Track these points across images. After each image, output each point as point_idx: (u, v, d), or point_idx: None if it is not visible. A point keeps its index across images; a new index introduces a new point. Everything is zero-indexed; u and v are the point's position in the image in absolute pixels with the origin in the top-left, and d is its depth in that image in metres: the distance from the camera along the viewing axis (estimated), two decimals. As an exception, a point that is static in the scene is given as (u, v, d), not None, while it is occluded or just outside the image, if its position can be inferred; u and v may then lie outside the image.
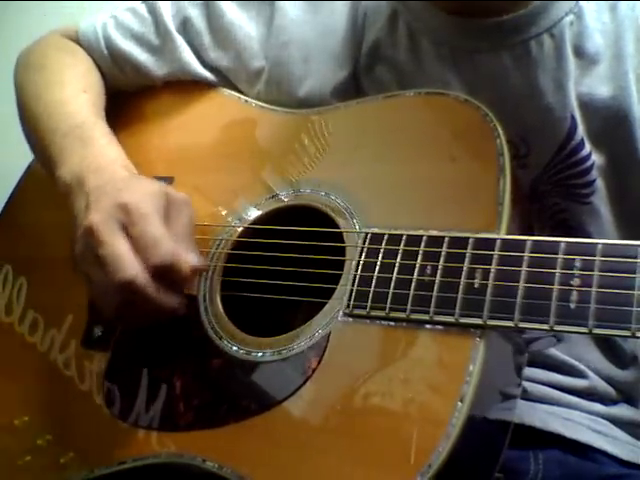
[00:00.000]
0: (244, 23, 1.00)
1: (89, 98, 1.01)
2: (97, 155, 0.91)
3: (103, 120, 0.99)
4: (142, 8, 1.06)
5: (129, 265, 0.79)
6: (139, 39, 1.05)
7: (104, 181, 0.86)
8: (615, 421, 0.94)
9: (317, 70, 0.96)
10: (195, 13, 1.03)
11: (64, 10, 1.56)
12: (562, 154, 0.89)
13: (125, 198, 0.82)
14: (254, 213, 0.89)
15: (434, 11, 0.90)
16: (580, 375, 0.93)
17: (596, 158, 0.89)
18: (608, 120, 0.88)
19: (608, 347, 0.96)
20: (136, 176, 0.90)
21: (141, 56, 1.05)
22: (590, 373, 0.94)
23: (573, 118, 0.87)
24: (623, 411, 0.96)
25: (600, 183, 0.90)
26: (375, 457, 0.70)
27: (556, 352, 0.92)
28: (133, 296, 0.79)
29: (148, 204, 0.82)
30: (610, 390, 0.95)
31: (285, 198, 0.88)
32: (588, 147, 0.88)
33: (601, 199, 0.90)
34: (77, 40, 1.09)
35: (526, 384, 0.88)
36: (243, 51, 1.00)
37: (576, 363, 0.93)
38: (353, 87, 0.95)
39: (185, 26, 1.03)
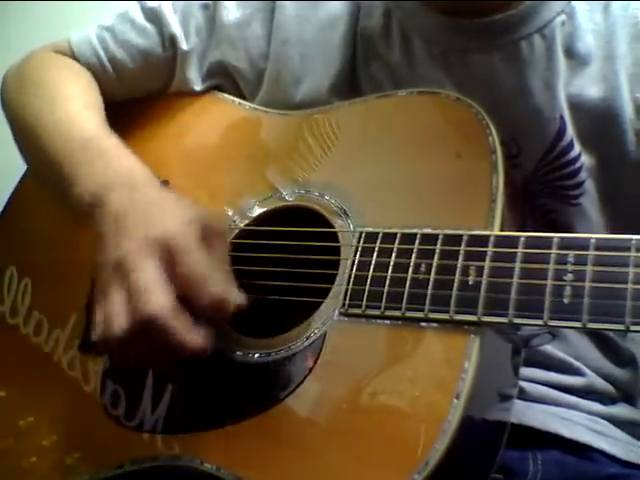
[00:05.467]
0: (250, 22, 1.00)
1: (93, 113, 0.98)
2: (115, 169, 0.85)
3: (110, 133, 0.94)
4: (139, 15, 1.04)
5: (160, 296, 0.71)
6: (144, 55, 1.04)
7: (130, 202, 0.79)
8: (614, 421, 0.93)
9: (314, 67, 0.96)
10: (200, 14, 1.03)
11: (65, 9, 1.56)
12: (551, 155, 0.89)
13: (160, 230, 0.74)
14: (248, 215, 0.89)
15: (425, 11, 0.91)
16: (578, 373, 0.93)
17: (586, 159, 0.89)
18: (598, 121, 0.88)
19: (606, 345, 0.96)
20: (164, 197, 0.82)
21: (147, 72, 1.05)
22: (588, 371, 0.94)
23: (562, 119, 0.87)
24: (622, 411, 0.95)
25: (589, 185, 0.90)
26: (372, 455, 0.70)
27: (553, 350, 0.92)
28: (156, 335, 0.72)
29: (188, 235, 0.75)
30: (609, 388, 0.95)
31: (279, 199, 0.88)
32: (578, 148, 0.88)
33: (590, 201, 0.90)
34: (71, 54, 1.06)
35: (524, 384, 0.88)
36: (252, 51, 1.00)
37: (573, 361, 0.93)
38: (350, 80, 0.95)
39: (193, 30, 1.02)
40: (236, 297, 0.75)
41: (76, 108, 0.97)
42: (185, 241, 0.74)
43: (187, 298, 0.73)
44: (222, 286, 0.74)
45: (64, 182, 0.88)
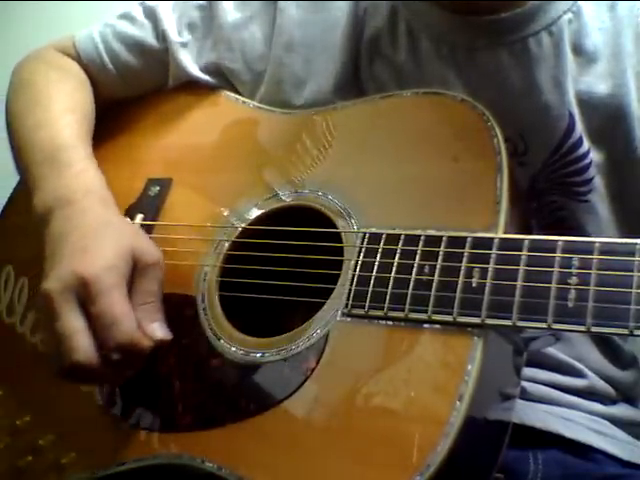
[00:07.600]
0: (248, 24, 1.00)
1: (73, 119, 0.98)
2: (70, 185, 0.88)
3: (85, 142, 0.96)
4: (139, 13, 1.06)
5: (81, 349, 0.76)
6: (140, 47, 1.05)
7: (71, 225, 0.83)
8: (615, 421, 0.94)
9: (318, 69, 0.96)
10: (197, 14, 1.03)
11: (66, 9, 1.56)
12: (560, 152, 0.89)
13: (84, 269, 0.77)
14: (253, 214, 0.89)
15: (433, 9, 0.90)
16: (579, 374, 0.93)
17: (595, 156, 0.89)
18: (607, 118, 0.88)
19: (608, 347, 0.96)
20: (105, 224, 0.84)
21: (143, 65, 1.05)
22: (589, 372, 0.94)
23: (571, 116, 0.88)
24: (623, 411, 0.96)
25: (598, 181, 0.90)
26: (374, 457, 0.69)
27: (555, 352, 0.92)
28: (81, 377, 0.79)
29: (110, 276, 0.78)
30: (610, 390, 0.95)
31: (284, 198, 0.88)
32: (586, 145, 0.88)
33: (599, 197, 0.90)
34: (74, 52, 1.07)
35: (526, 384, 0.89)
36: (249, 52, 1.00)
37: (575, 363, 0.93)
38: (353, 80, 0.95)
39: (187, 27, 1.03)
40: (154, 333, 0.79)
41: (55, 113, 0.98)
42: (105, 282, 0.77)
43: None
44: (129, 332, 0.77)
45: (30, 188, 0.92)
